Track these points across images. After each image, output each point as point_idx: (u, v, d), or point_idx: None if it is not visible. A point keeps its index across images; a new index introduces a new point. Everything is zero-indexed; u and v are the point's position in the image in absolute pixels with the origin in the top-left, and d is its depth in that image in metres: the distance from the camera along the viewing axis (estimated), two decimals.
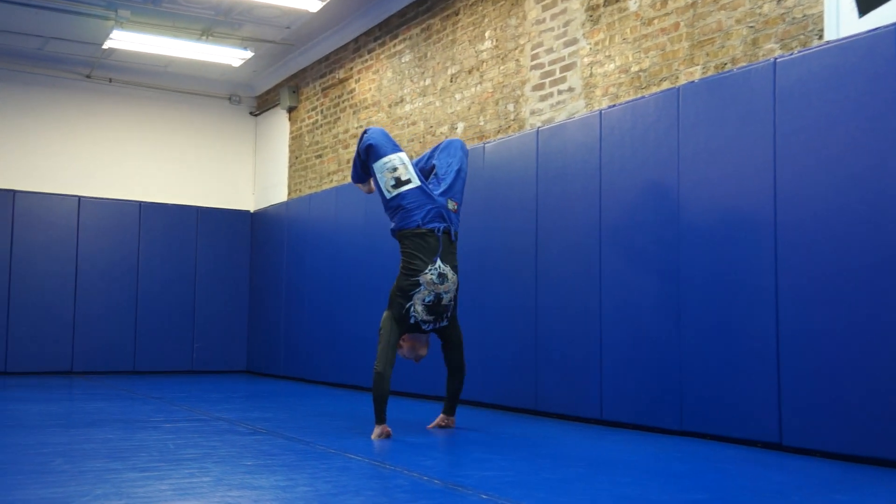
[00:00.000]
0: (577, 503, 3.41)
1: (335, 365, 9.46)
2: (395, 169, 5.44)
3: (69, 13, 9.45)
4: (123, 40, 9.79)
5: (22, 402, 7.32)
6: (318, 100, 10.87)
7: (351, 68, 10.11)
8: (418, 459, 4.42)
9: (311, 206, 10.34)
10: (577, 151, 6.30)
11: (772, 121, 4.94)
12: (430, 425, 5.75)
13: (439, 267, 5.35)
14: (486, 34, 7.81)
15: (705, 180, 5.32)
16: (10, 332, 10.59)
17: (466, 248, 6.96)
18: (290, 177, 11.53)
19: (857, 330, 4.42)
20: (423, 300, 5.33)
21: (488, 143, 7.26)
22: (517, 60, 7.39)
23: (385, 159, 5.47)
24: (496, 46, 7.67)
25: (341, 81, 10.32)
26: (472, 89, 7.95)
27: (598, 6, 6.57)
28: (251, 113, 12.57)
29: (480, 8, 7.90)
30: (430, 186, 5.52)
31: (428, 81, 8.63)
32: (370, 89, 9.68)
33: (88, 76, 11.38)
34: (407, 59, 9.00)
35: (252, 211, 12.31)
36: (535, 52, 7.18)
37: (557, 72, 6.92)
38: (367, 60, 9.77)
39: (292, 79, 11.52)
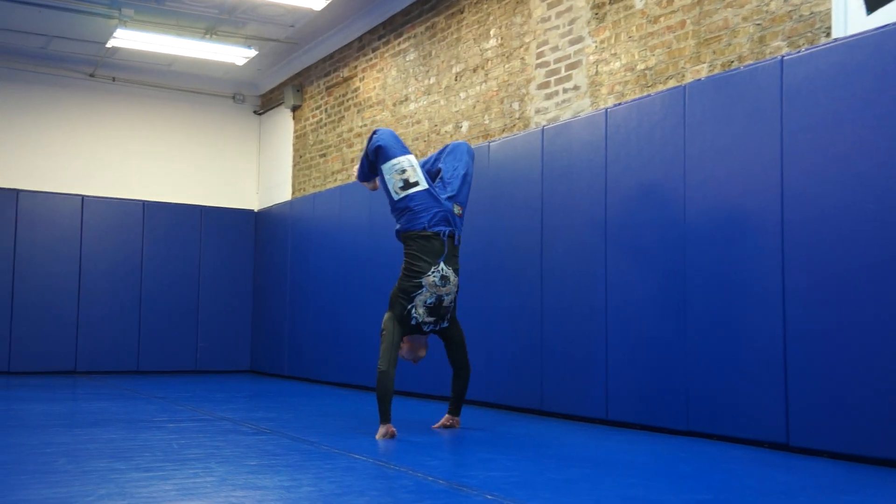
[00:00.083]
0: None
1: (339, 365, 9.44)
2: (403, 171, 5.46)
3: (72, 12, 9.44)
4: (127, 39, 9.77)
5: (25, 402, 7.32)
6: (322, 98, 10.85)
7: (355, 67, 10.09)
8: (423, 459, 4.41)
9: (315, 206, 10.32)
10: (583, 150, 6.27)
11: (779, 119, 4.91)
12: (436, 425, 5.74)
13: (442, 269, 5.37)
14: (491, 32, 7.78)
15: (712, 179, 5.30)
16: (14, 332, 10.59)
17: (471, 248, 6.94)
18: (294, 176, 11.51)
19: (864, 330, 4.38)
20: (425, 302, 5.35)
21: (493, 141, 7.24)
22: (522, 59, 7.36)
23: (394, 161, 5.49)
24: (501, 45, 7.64)
25: (345, 80, 10.30)
26: (477, 88, 7.92)
27: (603, 4, 6.54)
28: (255, 112, 12.56)
29: (485, 6, 7.87)
30: (437, 189, 5.53)
31: (432, 80, 8.60)
32: (374, 88, 9.66)
33: (92, 75, 11.38)
34: (411, 58, 8.98)
35: (256, 210, 12.30)
36: (540, 50, 7.15)
37: (563, 70, 6.90)
38: (371, 59, 9.75)
39: (296, 77, 11.50)
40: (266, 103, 12.44)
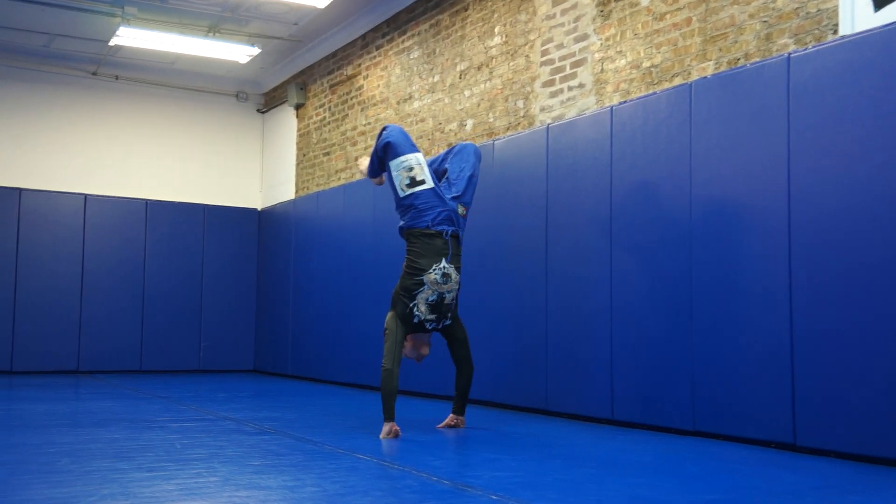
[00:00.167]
0: None
1: (343, 364, 9.43)
2: (411, 169, 5.49)
3: (75, 10, 9.43)
4: (130, 37, 9.75)
5: (28, 402, 7.31)
6: (325, 97, 10.83)
7: (359, 65, 10.06)
8: (427, 459, 4.39)
9: (319, 204, 10.30)
10: (588, 148, 6.25)
11: (785, 117, 4.88)
12: (440, 425, 5.73)
13: (444, 267, 5.39)
14: (496, 30, 7.75)
15: (718, 177, 5.27)
16: (16, 332, 10.58)
17: (476, 246, 6.92)
18: (298, 174, 11.49)
19: (872, 329, 4.35)
20: (427, 300, 5.38)
21: (498, 140, 7.21)
22: (527, 56, 7.33)
23: (402, 158, 5.51)
24: (506, 42, 7.61)
25: (349, 78, 10.28)
26: (482, 86, 7.90)
27: (609, 1, 6.51)
28: (258, 110, 12.54)
29: (490, 3, 7.85)
30: (443, 189, 5.56)
31: (437, 78, 8.58)
32: (378, 86, 9.64)
33: (94, 73, 11.37)
34: (415, 56, 8.96)
35: (259, 209, 12.29)
36: (545, 47, 7.12)
37: (568, 68, 6.87)
38: (375, 57, 9.73)
39: (300, 75, 11.48)
40: (269, 101, 12.42)
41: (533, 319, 6.61)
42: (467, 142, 6.24)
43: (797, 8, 5.15)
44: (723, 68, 5.57)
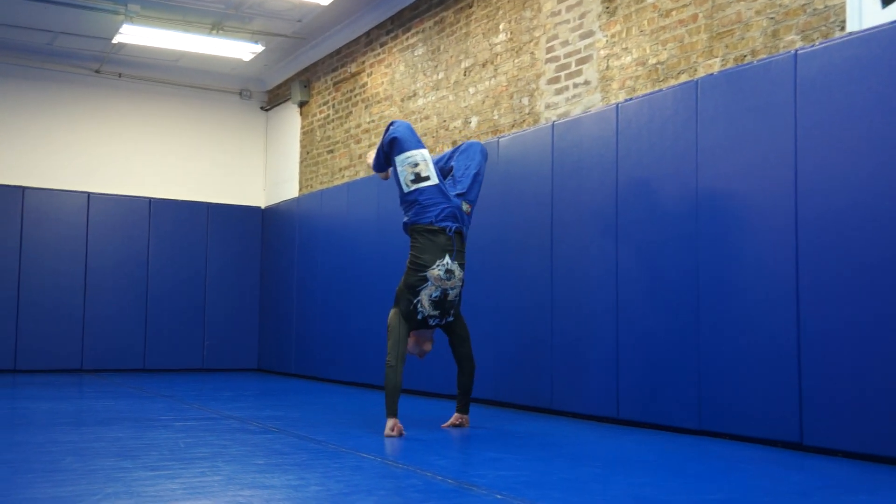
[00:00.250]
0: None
1: (347, 363, 9.41)
2: (416, 164, 5.50)
3: (78, 8, 9.40)
4: (133, 35, 9.75)
5: (32, 401, 7.31)
6: (329, 94, 10.81)
7: (363, 62, 10.04)
8: (431, 458, 4.37)
9: (323, 202, 10.29)
10: (593, 146, 6.22)
11: (792, 114, 4.85)
12: (445, 424, 5.72)
13: (447, 263, 5.40)
14: (501, 27, 7.73)
15: (724, 175, 5.24)
16: (20, 330, 10.57)
17: (481, 243, 6.90)
18: (302, 172, 11.48)
19: (879, 328, 4.32)
20: (430, 296, 5.39)
21: (503, 137, 7.19)
22: (532, 53, 7.30)
23: (407, 154, 5.52)
24: (510, 39, 7.59)
25: (353, 75, 10.26)
26: (486, 83, 7.87)
27: None
28: (262, 108, 12.53)
29: (494, 0, 7.82)
30: (447, 186, 5.56)
31: (441, 75, 8.55)
32: (382, 83, 9.61)
33: (98, 71, 11.35)
34: (420, 53, 8.93)
35: (263, 207, 12.27)
36: (550, 44, 7.10)
37: (573, 65, 6.84)
38: (379, 54, 9.71)
39: (303, 73, 11.47)
40: (273, 99, 12.41)
41: (537, 317, 6.59)
42: (474, 140, 6.23)
43: (804, 4, 5.12)
44: (729, 65, 5.54)
